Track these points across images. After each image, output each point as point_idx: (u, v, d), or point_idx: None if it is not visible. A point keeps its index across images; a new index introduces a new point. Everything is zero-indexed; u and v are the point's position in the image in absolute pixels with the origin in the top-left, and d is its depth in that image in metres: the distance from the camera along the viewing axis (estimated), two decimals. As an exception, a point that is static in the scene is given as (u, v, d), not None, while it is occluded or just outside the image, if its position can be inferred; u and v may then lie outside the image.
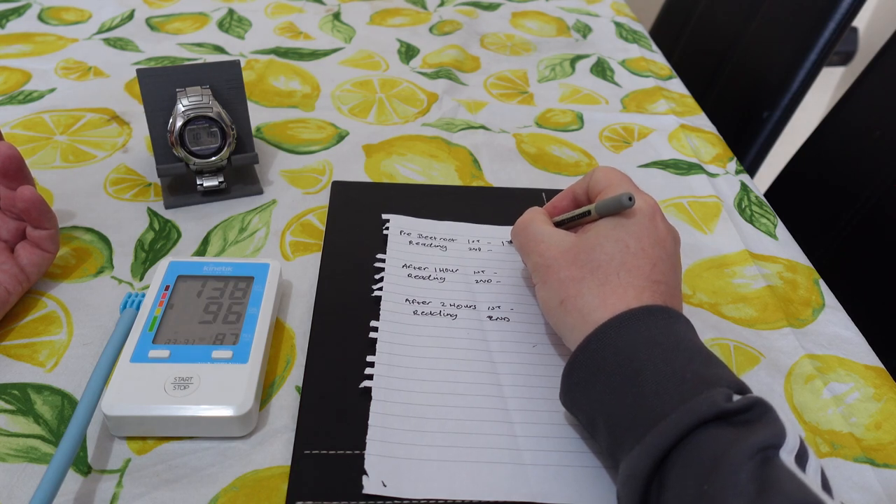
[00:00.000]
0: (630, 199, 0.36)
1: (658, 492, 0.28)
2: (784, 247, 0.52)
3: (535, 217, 0.41)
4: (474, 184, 0.56)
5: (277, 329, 0.42)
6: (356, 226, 0.49)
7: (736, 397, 0.29)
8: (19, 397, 0.36)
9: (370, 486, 0.32)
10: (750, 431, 0.27)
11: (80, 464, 0.34)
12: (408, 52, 0.77)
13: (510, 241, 0.48)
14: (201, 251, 0.47)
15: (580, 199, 0.42)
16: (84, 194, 0.51)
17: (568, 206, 0.43)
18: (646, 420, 0.30)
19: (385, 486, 0.33)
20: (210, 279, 0.41)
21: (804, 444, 0.28)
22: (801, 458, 0.28)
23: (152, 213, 0.50)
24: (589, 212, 0.39)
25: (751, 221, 0.55)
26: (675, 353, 0.31)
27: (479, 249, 0.48)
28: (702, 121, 0.69)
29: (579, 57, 0.79)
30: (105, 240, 0.47)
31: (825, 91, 1.70)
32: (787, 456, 0.27)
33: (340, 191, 0.52)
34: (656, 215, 0.38)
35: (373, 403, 0.36)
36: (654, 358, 0.31)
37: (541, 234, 0.39)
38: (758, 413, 0.28)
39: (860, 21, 1.55)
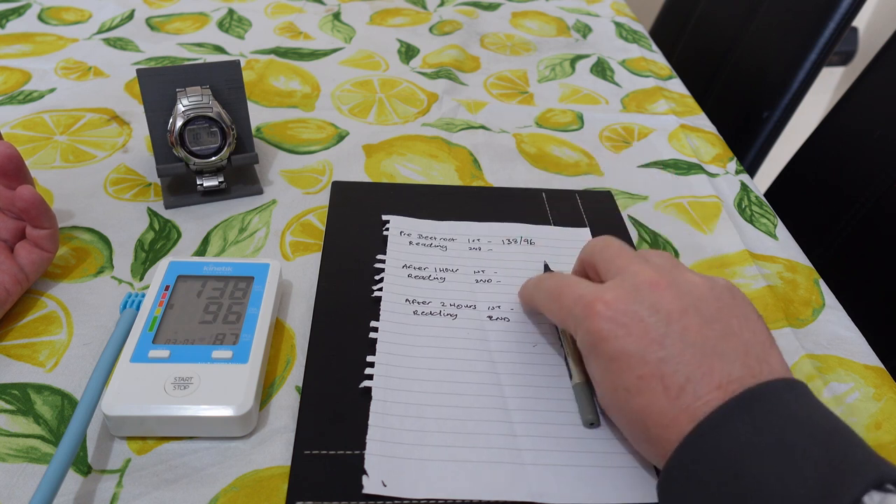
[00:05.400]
0: (591, 424, 0.35)
1: None
2: (784, 247, 0.52)
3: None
4: (474, 184, 0.56)
5: (277, 329, 0.42)
6: (356, 226, 0.49)
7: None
8: (19, 397, 0.36)
9: (370, 486, 0.32)
10: None
11: (80, 464, 0.34)
12: (408, 52, 0.77)
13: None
14: (201, 251, 0.47)
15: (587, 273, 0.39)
16: (84, 194, 0.51)
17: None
18: None
19: (385, 486, 0.33)
20: (210, 279, 0.41)
21: None
22: None
23: (152, 213, 0.50)
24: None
25: (751, 221, 0.55)
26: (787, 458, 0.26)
27: (479, 249, 0.48)
28: (702, 121, 0.69)
29: (579, 57, 0.79)
30: (105, 240, 0.47)
31: (825, 91, 1.70)
32: None
33: (340, 191, 0.52)
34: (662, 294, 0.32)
35: (373, 403, 0.36)
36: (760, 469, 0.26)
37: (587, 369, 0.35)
38: None
39: (860, 21, 1.55)
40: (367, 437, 0.35)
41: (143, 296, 0.40)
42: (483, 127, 0.64)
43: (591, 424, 0.36)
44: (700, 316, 0.31)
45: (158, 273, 0.41)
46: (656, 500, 0.32)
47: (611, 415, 0.34)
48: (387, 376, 0.38)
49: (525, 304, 0.42)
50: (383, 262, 0.45)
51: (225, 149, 0.49)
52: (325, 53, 0.75)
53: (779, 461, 0.26)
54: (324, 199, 0.53)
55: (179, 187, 0.52)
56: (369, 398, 0.36)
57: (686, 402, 0.29)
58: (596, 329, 0.32)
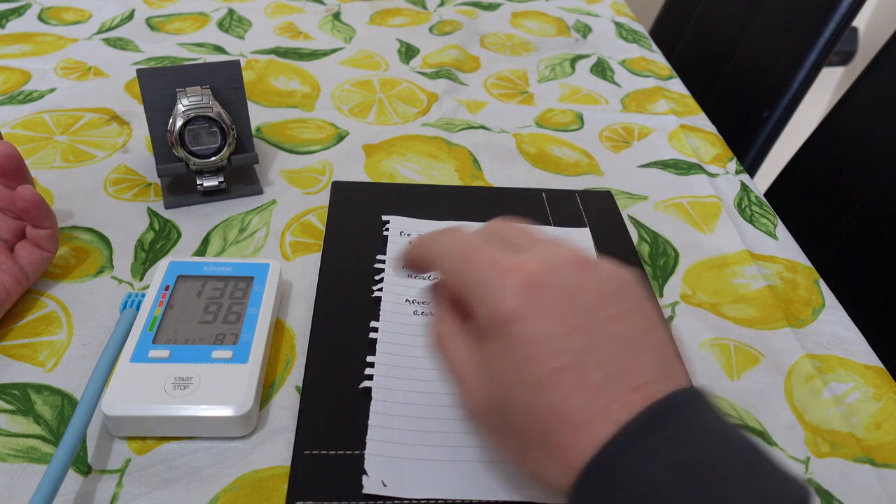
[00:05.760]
0: None
1: None
2: (784, 247, 0.52)
3: (445, 333, 0.31)
4: (474, 184, 0.56)
5: (277, 329, 0.42)
6: (356, 226, 0.49)
7: None
8: (19, 397, 0.36)
9: (370, 486, 0.32)
10: None
11: (80, 464, 0.34)
12: (408, 52, 0.77)
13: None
14: (201, 251, 0.47)
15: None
16: (84, 194, 0.51)
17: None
18: None
19: (385, 486, 0.33)
20: (210, 279, 0.41)
21: None
22: None
23: (152, 213, 0.50)
24: None
25: (751, 221, 0.55)
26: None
27: (479, 249, 0.47)
28: (702, 121, 0.69)
29: (579, 57, 0.79)
30: (105, 240, 0.47)
31: (825, 91, 1.70)
32: None
33: (340, 191, 0.52)
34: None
35: (373, 403, 0.36)
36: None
37: (452, 362, 0.30)
38: None
39: (860, 21, 1.55)
40: (367, 437, 0.35)
41: (143, 296, 0.40)
42: (483, 127, 0.64)
43: None
44: (620, 305, 0.27)
45: (158, 273, 0.41)
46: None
47: (495, 417, 0.28)
48: (387, 376, 0.38)
49: (411, 261, 0.33)
50: (383, 262, 0.45)
51: (225, 149, 0.49)
52: (325, 53, 0.75)
53: (702, 484, 0.23)
54: (324, 199, 0.53)
55: (179, 187, 0.52)
56: (369, 398, 0.36)
57: (604, 402, 0.24)
58: (508, 306, 0.26)
